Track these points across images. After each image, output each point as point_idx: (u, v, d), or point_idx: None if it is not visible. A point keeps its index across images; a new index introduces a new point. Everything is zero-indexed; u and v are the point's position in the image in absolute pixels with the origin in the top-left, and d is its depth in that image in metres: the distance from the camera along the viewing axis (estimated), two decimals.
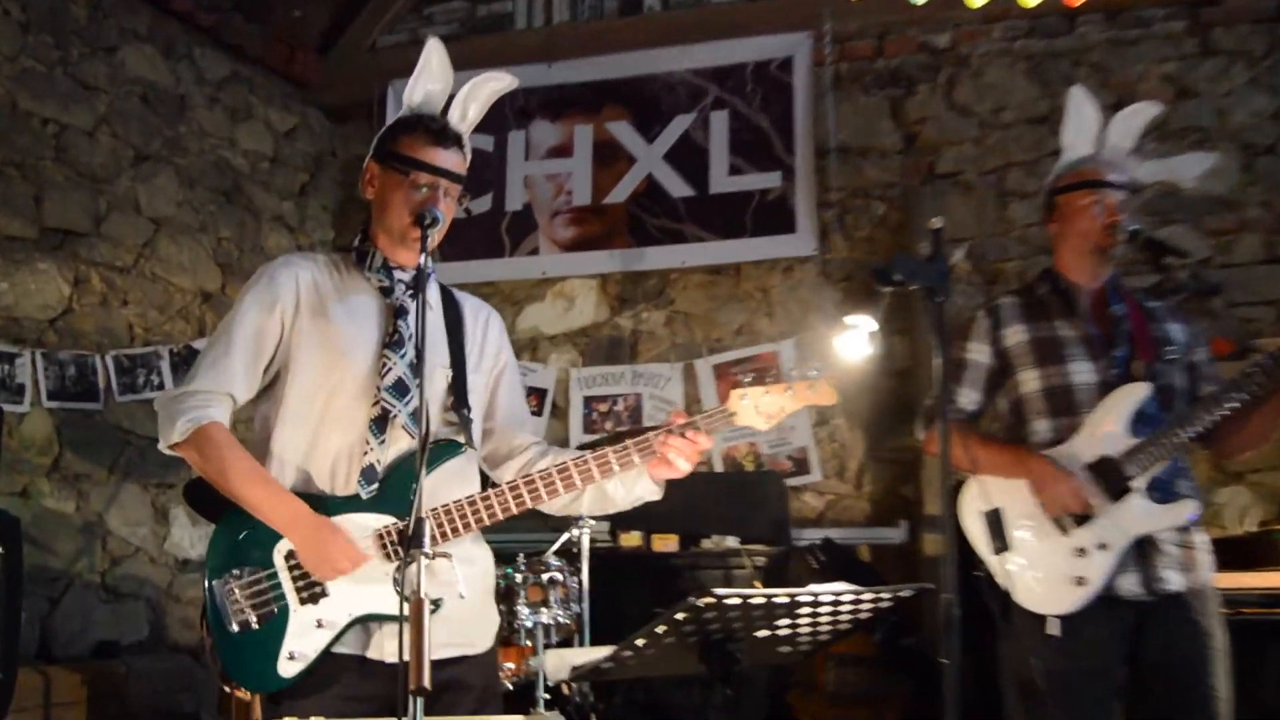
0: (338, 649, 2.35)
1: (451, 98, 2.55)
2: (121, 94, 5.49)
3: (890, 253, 5.60)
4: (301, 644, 2.34)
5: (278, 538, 2.37)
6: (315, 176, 6.60)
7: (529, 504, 2.41)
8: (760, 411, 2.36)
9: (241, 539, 2.39)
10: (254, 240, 6.15)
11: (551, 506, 2.50)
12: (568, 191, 6.13)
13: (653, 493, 2.49)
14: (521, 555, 4.21)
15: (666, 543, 5.26)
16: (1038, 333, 3.05)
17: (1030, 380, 3.03)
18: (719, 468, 5.70)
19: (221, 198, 5.99)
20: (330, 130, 6.71)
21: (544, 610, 4.09)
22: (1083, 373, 2.97)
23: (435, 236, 2.38)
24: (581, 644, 4.27)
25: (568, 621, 4.16)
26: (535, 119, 6.27)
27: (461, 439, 2.44)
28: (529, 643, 4.04)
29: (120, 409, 5.32)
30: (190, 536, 5.56)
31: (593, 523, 4.46)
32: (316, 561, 2.33)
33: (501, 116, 6.27)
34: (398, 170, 2.44)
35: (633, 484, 2.48)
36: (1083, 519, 2.88)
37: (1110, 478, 2.88)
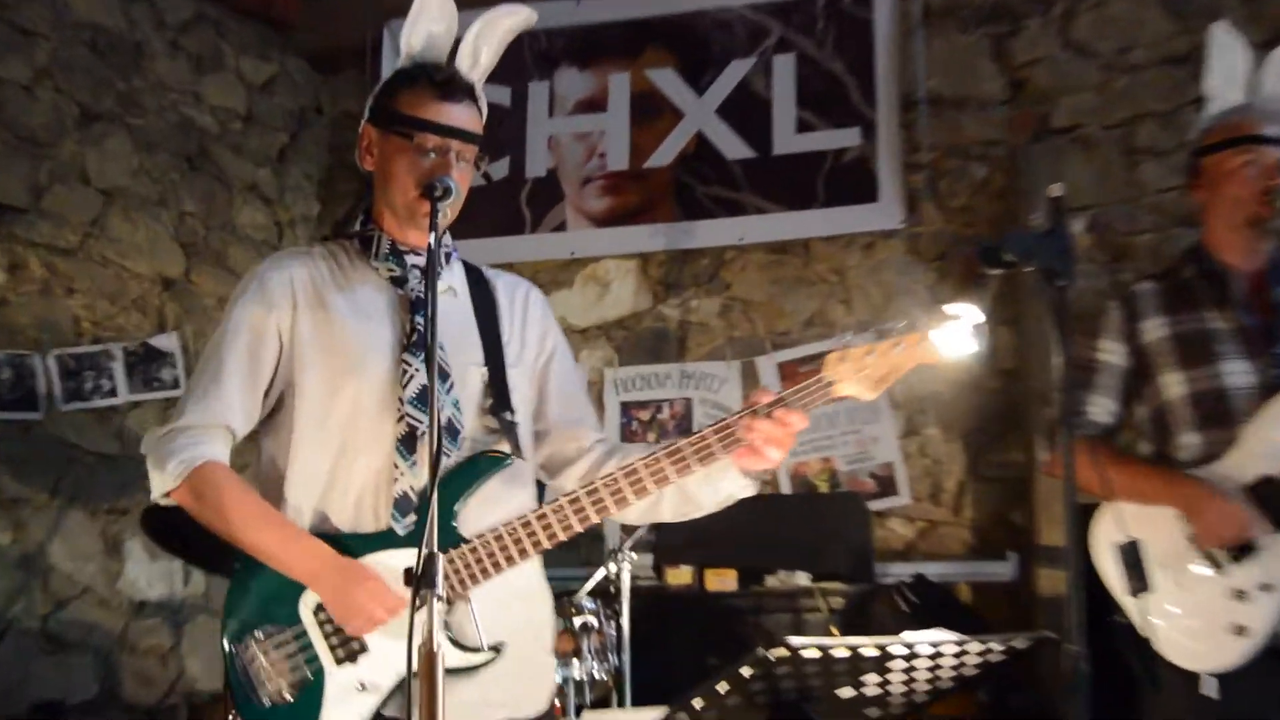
0: (387, 712, 2.39)
1: (459, 41, 2.56)
2: (65, 41, 5.49)
3: (993, 226, 5.59)
4: (344, 712, 2.38)
5: (303, 588, 2.41)
6: (297, 138, 6.59)
7: (595, 518, 2.43)
8: (866, 376, 2.34)
9: (261, 594, 2.42)
10: (224, 215, 6.13)
11: (625, 516, 2.52)
12: (601, 154, 6.13)
13: (745, 488, 2.50)
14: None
15: (723, 580, 5.25)
16: (1182, 326, 3.03)
17: (1174, 384, 3.01)
18: (786, 488, 5.72)
19: (185, 164, 5.99)
20: (315, 82, 6.71)
21: (576, 663, 4.08)
22: (1238, 374, 2.95)
23: (449, 211, 2.40)
24: (622, 705, 4.24)
25: (605, 677, 4.15)
26: (561, 66, 6.27)
27: (506, 448, 2.47)
28: (558, 703, 4.00)
29: (64, 420, 5.34)
30: (148, 574, 5.56)
31: (634, 557, 4.44)
32: (347, 613, 2.35)
33: (520, 64, 6.25)
34: (399, 134, 2.46)
35: (719, 480, 2.48)
36: (1242, 553, 2.85)
37: (1275, 502, 2.84)
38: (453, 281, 2.59)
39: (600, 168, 6.14)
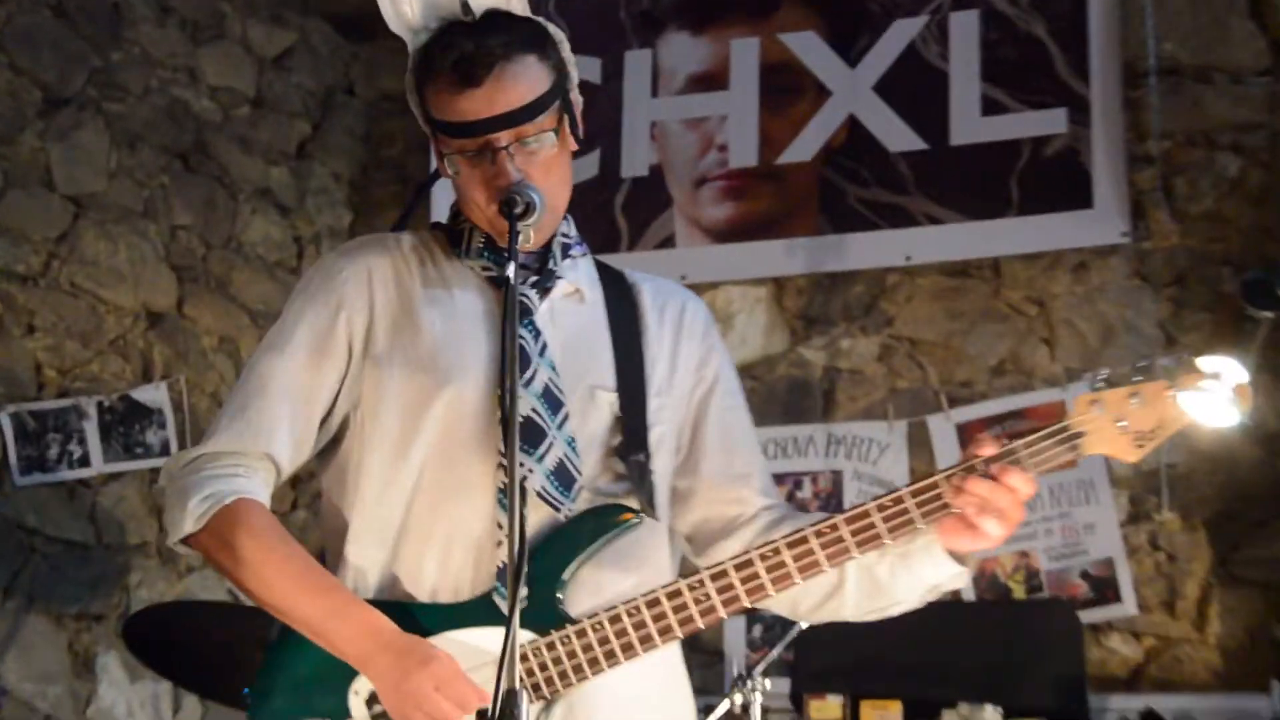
0: None
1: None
2: (22, 4, 5.53)
3: (1249, 241, 5.62)
4: None
5: (353, 672, 2.44)
6: (322, 128, 6.60)
7: (746, 601, 2.44)
8: (1127, 429, 2.36)
9: (301, 677, 2.47)
10: (226, 228, 6.16)
11: (789, 604, 2.57)
12: (720, 146, 6.16)
13: (955, 577, 2.51)
14: None
15: (884, 715, 5.22)
16: None
17: None
18: (969, 593, 5.71)
19: (178, 163, 6.05)
20: (345, 53, 6.74)
21: None
22: None
23: (535, 230, 2.45)
24: None
25: None
26: (668, 30, 6.30)
27: (635, 503, 2.52)
28: None
29: (22, 496, 5.36)
30: (128, 699, 5.57)
31: (767, 684, 4.44)
32: (404, 706, 2.37)
33: (612, 26, 6.29)
34: (437, 149, 2.56)
35: (919, 563, 2.49)
36: None
37: None
38: (579, 281, 2.66)
39: (720, 164, 6.17)
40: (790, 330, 6.19)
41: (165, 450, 5.66)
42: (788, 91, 6.17)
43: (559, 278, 2.61)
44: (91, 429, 5.51)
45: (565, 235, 2.64)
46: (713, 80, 6.27)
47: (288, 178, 6.48)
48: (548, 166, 2.51)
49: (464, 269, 2.63)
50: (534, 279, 2.57)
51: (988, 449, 2.38)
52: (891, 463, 5.90)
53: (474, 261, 2.62)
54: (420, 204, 2.78)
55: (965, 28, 6.00)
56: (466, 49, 2.47)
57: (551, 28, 2.58)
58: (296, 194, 6.52)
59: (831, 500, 5.90)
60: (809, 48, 6.19)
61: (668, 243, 6.20)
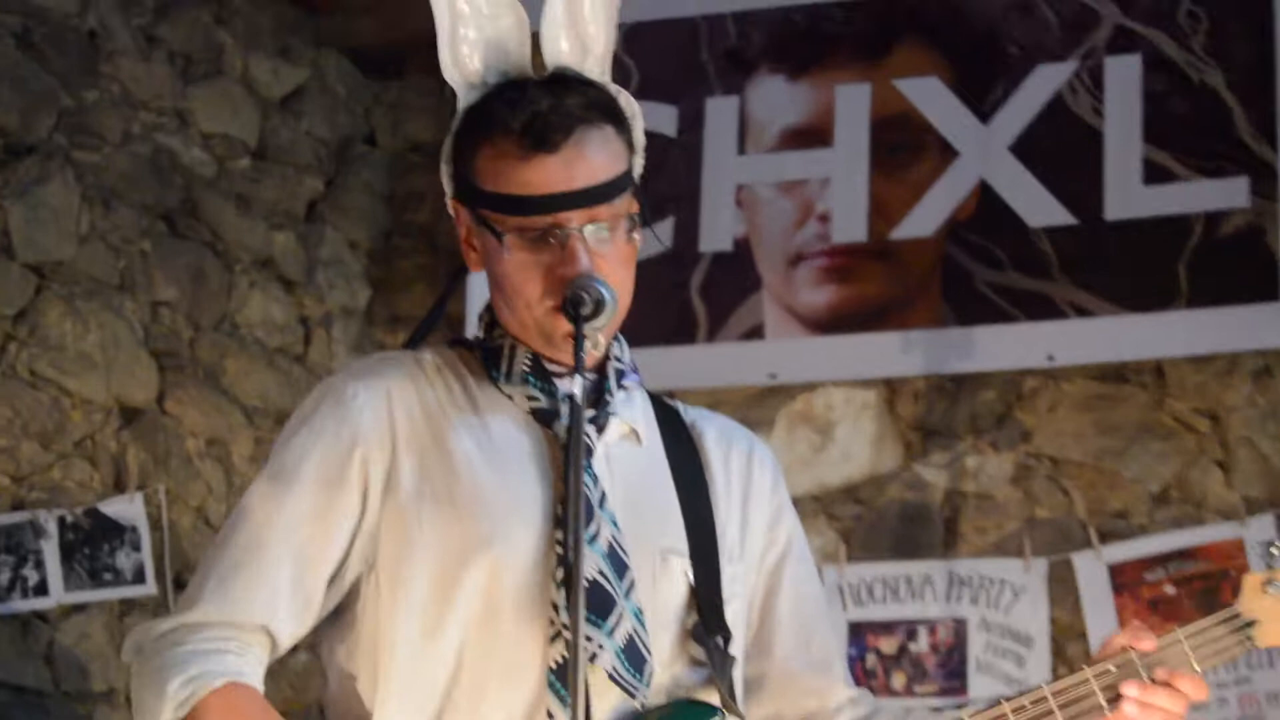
0: None
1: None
2: None
3: None
4: None
5: None
6: (336, 184, 6.38)
7: None
8: None
9: None
10: (219, 306, 5.87)
11: None
12: (821, 215, 5.80)
13: None
14: None
15: None
16: None
17: None
18: None
19: (162, 226, 5.74)
20: (366, 94, 6.51)
21: None
22: None
23: (603, 335, 2.46)
24: None
25: None
26: (759, 73, 5.95)
27: (714, 700, 2.51)
28: None
29: None
30: None
31: None
32: None
33: (691, 67, 5.99)
34: (488, 226, 2.49)
35: None
36: None
37: None
38: (635, 419, 2.61)
39: (821, 238, 5.79)
40: (904, 444, 5.81)
41: (139, 577, 5.42)
42: (905, 150, 5.77)
43: (613, 414, 2.55)
44: (51, 549, 5.28)
45: (619, 359, 2.58)
46: (813, 135, 5.87)
47: (294, 245, 6.17)
48: (620, 260, 2.49)
49: (501, 398, 2.55)
50: (591, 413, 2.50)
51: (1145, 641, 2.44)
52: (1028, 610, 5.55)
53: (516, 388, 2.54)
54: (443, 311, 2.73)
55: (1124, 76, 5.58)
56: (540, 107, 2.45)
57: (626, 98, 2.55)
58: (304, 265, 6.21)
59: (953, 655, 5.62)
60: (931, 97, 5.76)
61: (755, 333, 5.83)
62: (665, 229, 5.87)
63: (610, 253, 2.47)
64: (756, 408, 5.80)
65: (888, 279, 5.73)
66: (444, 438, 2.52)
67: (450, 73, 2.54)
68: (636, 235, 2.53)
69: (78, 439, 5.37)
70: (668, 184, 5.87)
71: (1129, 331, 5.48)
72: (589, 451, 2.49)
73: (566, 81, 2.50)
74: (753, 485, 2.71)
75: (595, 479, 2.49)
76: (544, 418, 2.52)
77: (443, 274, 5.89)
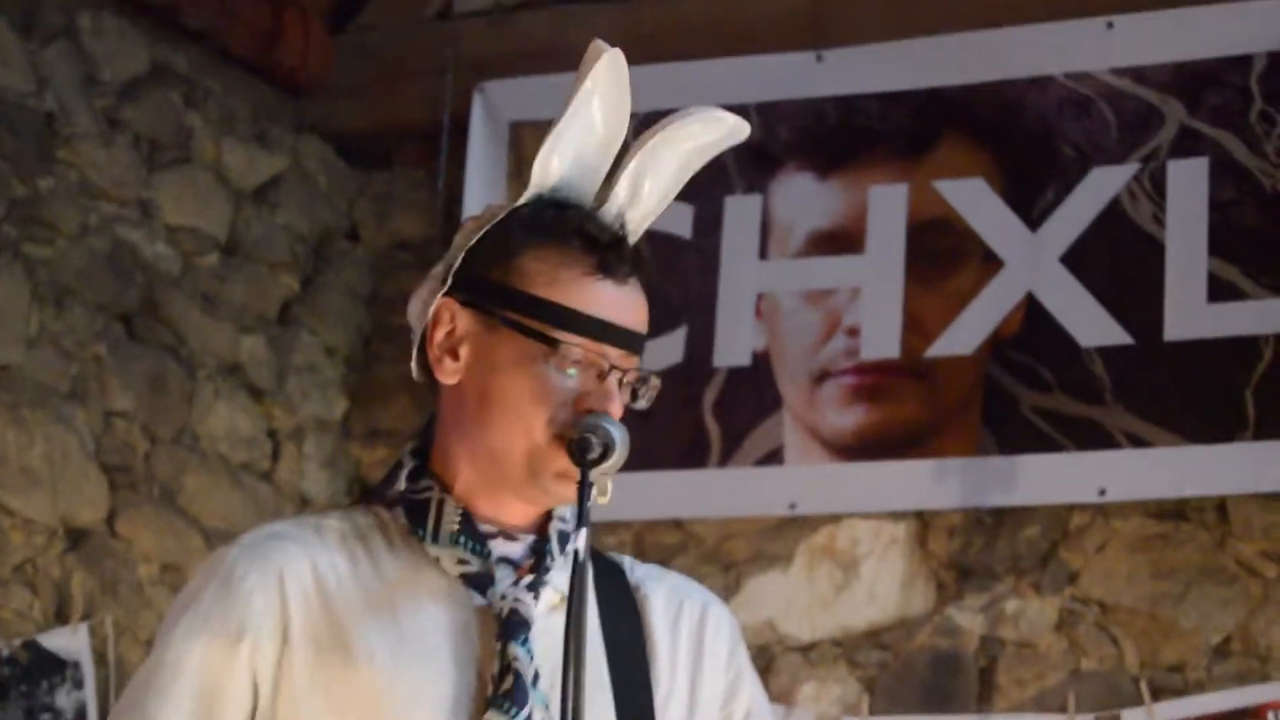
0: None
1: (623, 153, 2.59)
2: None
3: None
4: None
5: None
6: (313, 284, 6.31)
7: None
8: None
9: None
10: (179, 417, 5.77)
11: None
12: (851, 329, 5.69)
13: None
14: None
15: None
16: None
17: None
18: None
19: (119, 327, 5.64)
20: (349, 185, 6.45)
21: None
22: None
23: (606, 488, 2.46)
24: None
25: None
26: (784, 170, 5.87)
27: None
28: None
29: None
30: None
31: None
32: None
33: (712, 162, 5.80)
34: (527, 329, 2.49)
35: None
36: None
37: None
38: (565, 585, 2.51)
39: (849, 354, 5.65)
40: (937, 584, 5.65)
41: (81, 717, 5.35)
42: (944, 259, 5.65)
43: (545, 582, 2.53)
44: None
45: (562, 519, 2.54)
46: (843, 240, 5.75)
47: (264, 351, 6.09)
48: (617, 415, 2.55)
49: (423, 563, 2.51)
50: (529, 579, 2.47)
51: None
52: None
53: (444, 550, 2.49)
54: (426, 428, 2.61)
55: (1189, 182, 5.42)
56: (612, 232, 2.52)
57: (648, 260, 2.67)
58: (275, 373, 6.13)
59: None
60: (974, 200, 5.65)
61: (774, 458, 5.67)
62: (677, 340, 5.86)
63: (620, 409, 2.50)
64: (773, 541, 5.70)
65: (922, 401, 5.63)
66: (342, 626, 2.48)
67: (537, 168, 2.53)
68: (638, 399, 2.53)
69: (17, 563, 5.25)
70: (681, 290, 5.84)
71: (1189, 464, 5.28)
72: (525, 624, 2.45)
73: (624, 224, 2.57)
74: (704, 655, 2.64)
75: (531, 656, 2.44)
76: (476, 583, 2.49)
77: (427, 385, 5.93)
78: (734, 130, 2.64)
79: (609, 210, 2.56)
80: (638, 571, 2.68)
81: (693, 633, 2.64)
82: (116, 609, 5.44)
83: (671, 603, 2.66)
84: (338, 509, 2.69)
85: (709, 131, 2.64)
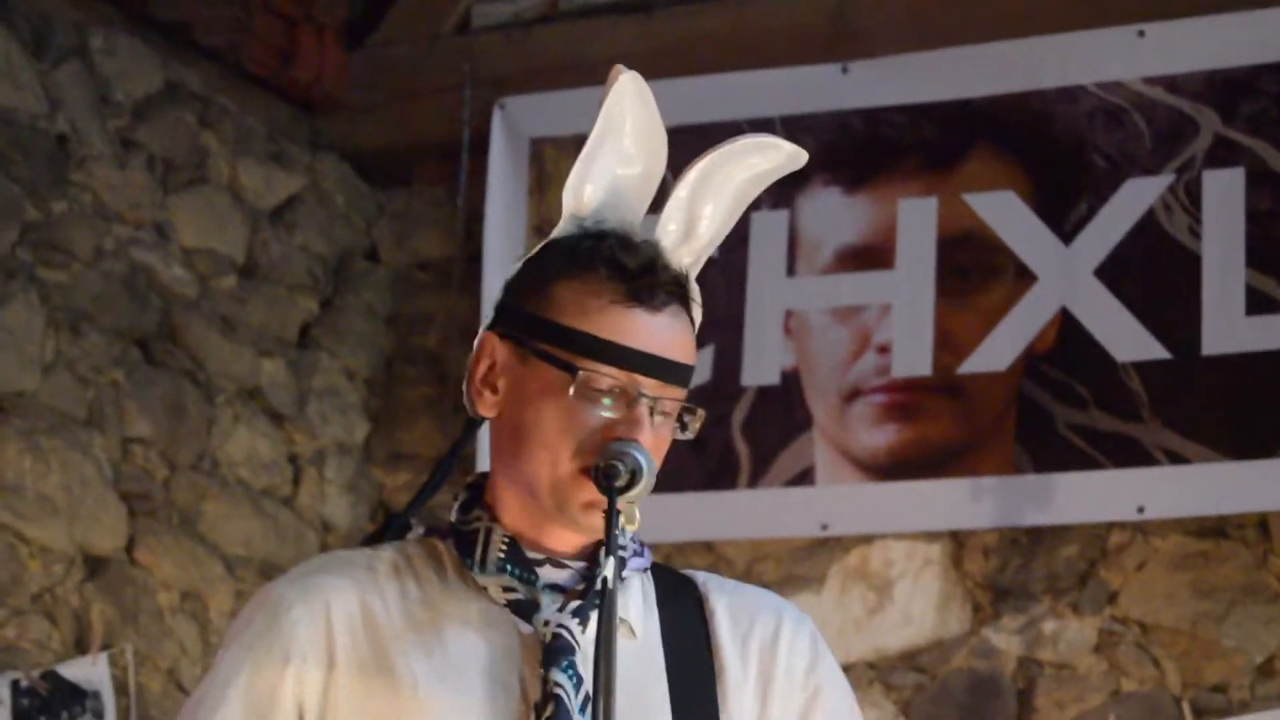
0: None
1: (666, 185, 2.64)
2: None
3: None
4: None
5: None
6: (333, 306, 6.33)
7: None
8: None
9: None
10: (198, 443, 5.77)
11: None
12: (881, 346, 5.69)
13: None
14: None
15: None
16: None
17: None
18: None
19: (136, 352, 5.66)
20: (368, 204, 6.47)
21: None
22: None
23: (634, 515, 2.42)
24: None
25: None
26: (812, 185, 5.85)
27: None
28: None
29: None
30: None
31: None
32: None
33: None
34: (553, 358, 2.50)
35: None
36: None
37: None
38: (628, 608, 2.55)
39: (880, 372, 5.66)
40: (973, 605, 5.66)
41: None
42: (975, 274, 5.65)
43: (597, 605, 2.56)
44: (3, 718, 5.22)
45: (621, 546, 2.52)
46: (872, 255, 5.75)
47: (284, 374, 6.10)
48: (658, 447, 2.49)
49: (472, 593, 2.54)
50: (575, 604, 2.47)
51: None
52: None
53: (490, 578, 2.52)
54: (452, 467, 2.64)
55: (1225, 193, 5.41)
56: (644, 260, 2.50)
57: (696, 290, 2.63)
58: (295, 396, 6.14)
59: None
60: (1006, 214, 5.64)
61: (804, 478, 5.68)
62: (704, 359, 5.81)
63: (657, 436, 2.47)
64: (805, 562, 5.71)
65: (955, 419, 5.62)
66: (387, 653, 2.51)
67: (568, 196, 2.54)
68: (686, 431, 2.53)
69: (35, 592, 5.30)
70: (707, 309, 5.70)
71: (1229, 481, 5.29)
72: (569, 649, 2.45)
73: (661, 252, 2.55)
74: (776, 671, 2.60)
75: (579, 681, 2.44)
76: (522, 610, 2.50)
77: (450, 406, 5.83)
78: (792, 158, 2.63)
79: (653, 240, 2.56)
80: (708, 585, 2.67)
81: (764, 649, 2.61)
82: (137, 638, 5.46)
83: (742, 619, 2.63)
84: (395, 543, 2.68)
85: (767, 160, 2.62)
